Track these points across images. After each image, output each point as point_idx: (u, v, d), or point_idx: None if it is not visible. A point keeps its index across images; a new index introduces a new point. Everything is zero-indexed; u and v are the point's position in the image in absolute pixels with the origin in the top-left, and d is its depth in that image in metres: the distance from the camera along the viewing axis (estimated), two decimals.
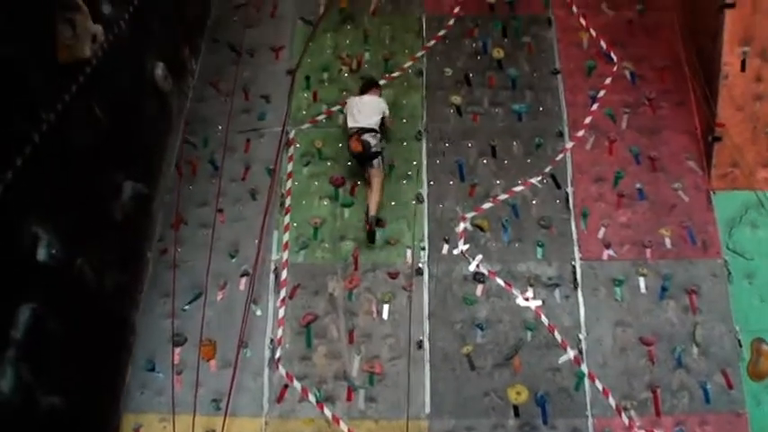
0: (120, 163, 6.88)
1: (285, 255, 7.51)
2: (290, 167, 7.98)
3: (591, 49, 8.70)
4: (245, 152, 8.12)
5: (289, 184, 7.89)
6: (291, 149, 8.09)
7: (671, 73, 8.51)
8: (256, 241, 7.47)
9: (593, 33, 8.72)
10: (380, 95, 8.02)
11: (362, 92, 7.95)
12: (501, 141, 8.11)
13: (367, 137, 7.58)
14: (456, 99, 8.34)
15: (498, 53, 8.60)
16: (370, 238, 7.44)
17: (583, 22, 8.82)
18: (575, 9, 8.92)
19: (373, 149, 7.57)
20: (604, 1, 9.03)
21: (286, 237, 7.59)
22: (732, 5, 7.58)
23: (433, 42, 8.70)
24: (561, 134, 8.15)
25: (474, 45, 8.74)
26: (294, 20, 9.02)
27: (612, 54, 8.59)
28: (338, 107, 8.28)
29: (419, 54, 8.64)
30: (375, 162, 7.63)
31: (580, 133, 8.10)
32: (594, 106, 8.26)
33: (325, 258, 7.53)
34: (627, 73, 8.55)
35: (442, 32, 8.75)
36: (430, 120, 8.27)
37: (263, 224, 7.54)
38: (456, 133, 8.18)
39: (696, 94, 8.19)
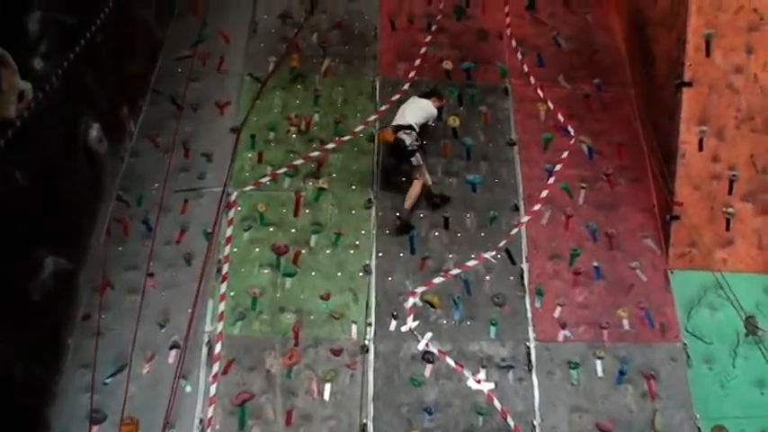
0: (42, 236, 6.56)
1: (220, 326, 7.39)
2: (229, 232, 7.94)
3: (548, 121, 9.05)
4: (182, 213, 8.09)
5: (227, 249, 7.83)
6: (232, 212, 8.08)
7: (628, 149, 8.88)
8: (189, 310, 7.36)
9: (551, 106, 9.10)
10: (441, 106, 8.53)
11: (424, 95, 8.42)
12: (454, 213, 8.26)
13: (401, 134, 7.92)
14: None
15: (454, 121, 8.87)
16: (403, 229, 7.89)
17: (540, 93, 9.20)
18: (532, 80, 9.30)
19: (409, 148, 7.88)
20: (562, 73, 9.48)
21: (222, 306, 7.50)
22: (689, 84, 8.03)
23: (386, 107, 8.91)
24: (516, 207, 8.36)
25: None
26: (242, 75, 9.17)
27: (570, 128, 8.94)
28: (284, 170, 8.37)
29: (371, 118, 8.83)
30: (413, 160, 7.96)
31: (536, 207, 8.33)
32: (551, 180, 8.52)
33: (263, 331, 7.44)
34: (584, 147, 8.89)
35: (395, 97, 8.98)
36: (381, 187, 8.39)
37: (198, 292, 7.45)
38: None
39: (653, 172, 8.55)
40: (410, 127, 8.04)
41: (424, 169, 8.13)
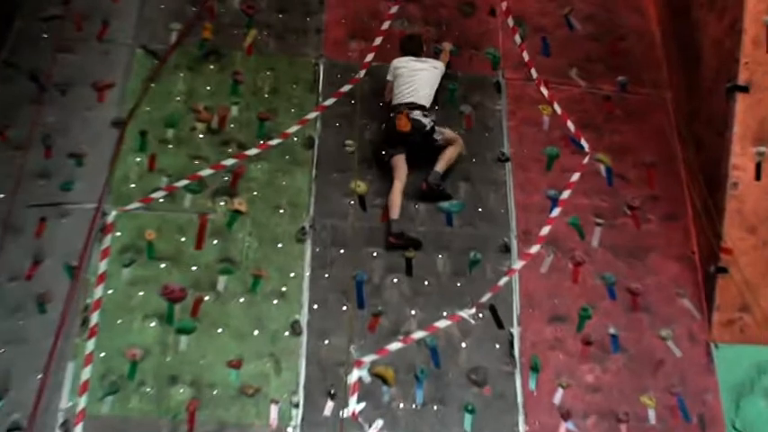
0: None
1: (82, 402, 7.29)
2: (103, 267, 7.88)
3: (553, 130, 9.22)
4: (37, 236, 8.01)
5: (99, 291, 7.76)
6: (108, 240, 8.03)
7: (661, 173, 9.09)
8: (39, 377, 7.25)
9: (558, 109, 9.27)
10: (446, 60, 9.10)
11: (414, 51, 8.87)
12: (421, 252, 8.33)
13: (417, 115, 8.40)
14: (359, 186, 8.58)
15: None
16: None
17: (545, 92, 9.38)
18: (534, 73, 9.48)
19: (428, 128, 8.44)
20: (575, 66, 9.69)
21: (87, 373, 7.40)
22: (745, 89, 8.22)
23: (332, 100, 8.99)
24: (507, 248, 8.47)
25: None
26: (132, 48, 9.18)
27: (583, 141, 9.11)
28: (185, 183, 8.39)
29: (311, 115, 8.91)
30: (438, 138, 8.55)
31: (533, 249, 8.41)
32: (555, 212, 8.64)
33: (144, 411, 7.38)
34: (601, 168, 9.07)
35: (346, 87, 9.08)
36: (319, 213, 8.43)
37: (53, 351, 7.36)
38: (356, 236, 8.37)
39: (694, 206, 8.75)
40: (425, 107, 8.55)
41: (454, 135, 8.68)
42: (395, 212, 8.31)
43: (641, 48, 9.92)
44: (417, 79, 8.65)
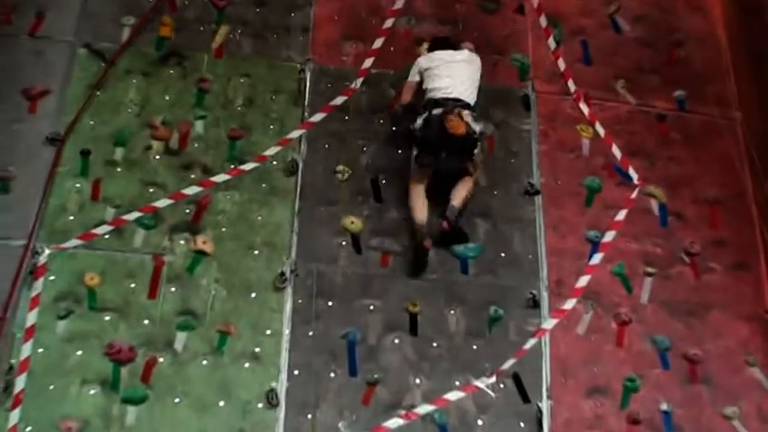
0: None
1: None
2: (32, 318, 7.74)
3: (595, 157, 9.18)
4: None
5: (27, 349, 7.61)
6: (40, 285, 7.89)
7: (729, 212, 9.05)
8: None
9: (601, 131, 9.18)
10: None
11: (448, 44, 8.94)
12: (428, 307, 8.22)
13: (468, 116, 8.40)
14: (353, 223, 8.49)
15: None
16: (423, 260, 8.34)
17: (584, 109, 9.29)
18: (572, 86, 9.42)
19: (476, 136, 8.46)
20: (622, 78, 9.66)
21: None
22: None
23: (320, 116, 8.89)
24: (536, 303, 8.39)
25: (394, 128, 8.98)
26: (74, 46, 9.16)
27: (631, 170, 8.99)
28: (137, 215, 8.27)
29: (294, 134, 8.81)
30: (475, 155, 8.54)
31: (568, 304, 8.26)
32: (596, 258, 8.50)
33: None
34: (654, 205, 9.00)
35: (338, 100, 9.00)
36: (303, 256, 8.36)
37: None
38: (348, 285, 8.29)
39: (767, 252, 8.71)
40: (469, 106, 8.55)
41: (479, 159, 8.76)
42: (424, 215, 8.37)
43: (704, 56, 9.93)
44: (457, 72, 8.66)
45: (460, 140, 8.34)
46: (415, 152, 8.56)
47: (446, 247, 8.50)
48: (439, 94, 8.51)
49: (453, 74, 8.59)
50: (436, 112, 8.39)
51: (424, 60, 8.77)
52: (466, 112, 8.39)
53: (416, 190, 8.45)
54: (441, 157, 8.42)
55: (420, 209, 8.39)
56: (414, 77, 8.79)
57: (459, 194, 8.43)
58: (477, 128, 8.45)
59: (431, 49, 8.97)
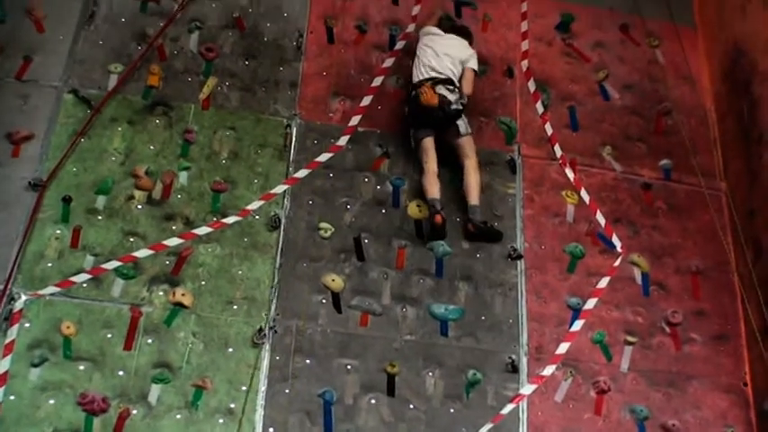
0: None
1: None
2: (4, 365, 7.64)
3: (579, 224, 9.27)
4: None
5: None
6: (14, 331, 7.82)
7: (710, 283, 9.13)
8: None
9: (586, 197, 9.20)
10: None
11: (446, 29, 9.48)
12: (407, 368, 8.25)
13: (443, 89, 8.95)
14: (335, 281, 8.52)
15: (419, 210, 8.98)
16: (439, 233, 8.72)
17: (570, 175, 9.33)
18: (558, 151, 9.45)
19: (453, 106, 8.98)
20: (608, 145, 9.78)
21: None
22: None
23: (305, 172, 8.90)
24: (515, 368, 8.42)
25: (379, 187, 9.08)
26: (60, 91, 9.17)
27: (615, 238, 9.00)
28: (116, 264, 8.25)
29: (278, 189, 8.82)
30: (461, 126, 9.07)
31: (547, 370, 8.20)
32: (576, 325, 8.47)
33: None
34: (636, 274, 9.09)
35: (323, 157, 9.01)
36: (282, 312, 8.37)
37: None
38: (327, 343, 8.31)
39: (749, 325, 8.74)
40: (451, 81, 9.09)
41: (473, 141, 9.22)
42: (434, 191, 8.76)
43: (691, 126, 10.03)
44: (440, 51, 9.14)
45: (434, 110, 8.86)
46: (411, 132, 9.10)
47: (425, 308, 8.52)
48: (417, 78, 9.08)
49: (437, 53, 9.11)
50: (413, 93, 9.05)
51: (421, 35, 9.43)
52: (440, 86, 8.94)
53: (425, 168, 8.88)
54: (426, 131, 8.94)
55: (430, 186, 8.77)
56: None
57: (472, 191, 8.88)
58: (452, 98, 8.95)
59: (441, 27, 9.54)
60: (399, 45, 9.81)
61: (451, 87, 9.00)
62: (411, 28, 9.94)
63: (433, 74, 9.04)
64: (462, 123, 9.01)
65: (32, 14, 9.43)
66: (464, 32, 9.59)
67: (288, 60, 9.72)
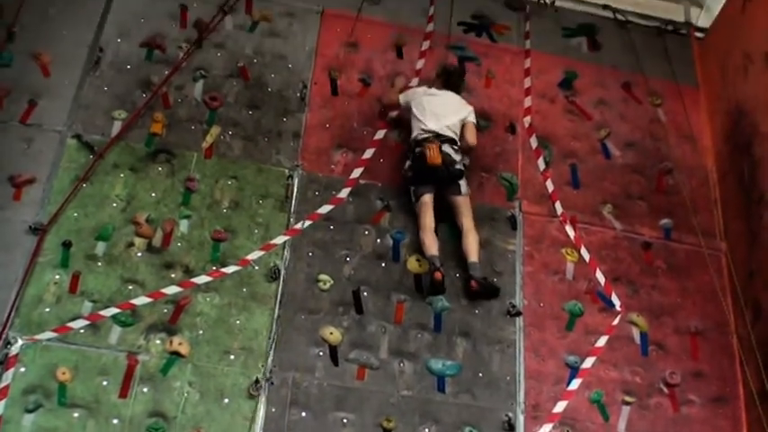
0: None
1: None
2: None
3: (578, 281, 9.31)
4: None
5: None
6: (9, 376, 7.88)
7: (709, 344, 9.14)
8: None
9: (586, 255, 9.34)
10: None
11: (442, 83, 9.63)
12: (403, 424, 8.24)
13: (448, 148, 9.01)
14: (332, 334, 8.55)
15: (418, 265, 9.02)
16: (439, 290, 8.71)
17: (570, 233, 9.47)
18: (559, 208, 9.58)
19: (458, 166, 9.08)
20: (609, 203, 9.85)
21: None
22: None
23: (306, 223, 9.02)
24: (511, 426, 8.39)
25: (379, 240, 9.14)
26: (63, 136, 9.23)
27: (614, 297, 9.15)
28: (114, 311, 8.31)
29: (278, 240, 8.92)
30: (462, 186, 9.13)
31: (544, 430, 8.35)
32: (574, 384, 8.61)
33: None
34: (635, 333, 9.09)
35: (324, 208, 9.13)
36: (279, 364, 8.38)
37: None
38: (323, 396, 8.29)
39: (748, 387, 8.74)
40: (454, 141, 9.22)
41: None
42: (433, 248, 8.78)
43: (692, 186, 10.11)
44: (441, 106, 9.26)
45: (439, 169, 8.89)
46: (412, 188, 9.12)
47: (423, 364, 8.53)
48: (418, 134, 9.14)
49: (438, 109, 9.22)
50: (418, 150, 9.05)
51: (411, 94, 9.50)
52: (446, 146, 9.00)
53: (423, 224, 8.90)
54: (427, 188, 8.99)
55: (429, 243, 8.78)
56: (402, 100, 9.55)
57: (472, 250, 8.91)
58: (457, 158, 9.04)
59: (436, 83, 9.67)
60: (403, 99, 9.79)
61: (456, 147, 9.06)
62: (415, 82, 10.03)
63: (436, 129, 9.07)
64: (463, 183, 9.04)
65: (39, 58, 9.53)
66: (456, 79, 9.75)
67: (291, 111, 9.81)
